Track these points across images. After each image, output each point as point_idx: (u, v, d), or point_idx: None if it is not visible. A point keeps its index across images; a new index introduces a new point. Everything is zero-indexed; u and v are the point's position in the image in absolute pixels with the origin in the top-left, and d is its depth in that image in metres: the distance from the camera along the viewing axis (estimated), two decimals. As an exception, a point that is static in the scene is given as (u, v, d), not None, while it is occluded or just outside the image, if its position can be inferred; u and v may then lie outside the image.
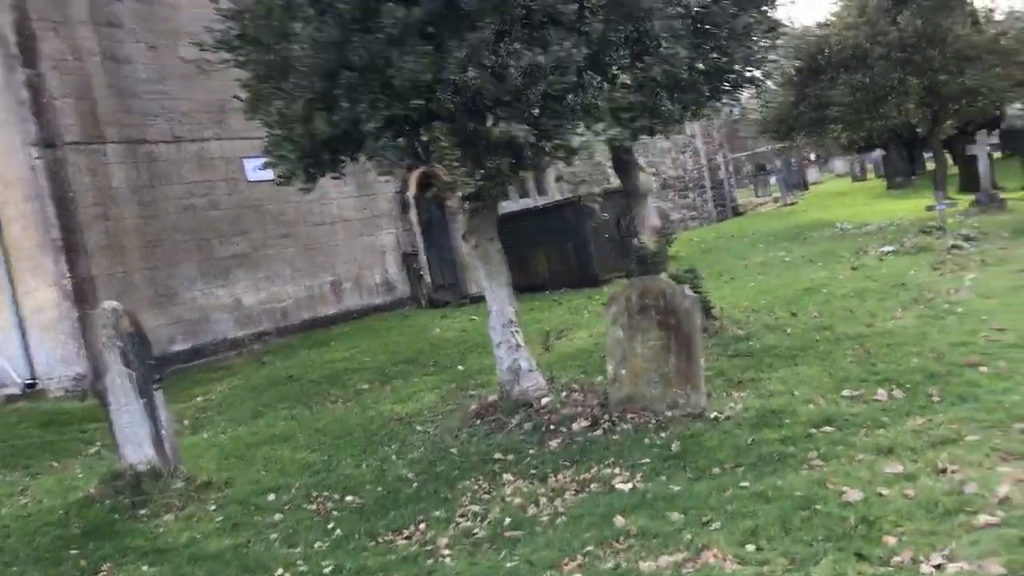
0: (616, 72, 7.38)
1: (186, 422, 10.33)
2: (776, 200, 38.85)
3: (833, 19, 23.93)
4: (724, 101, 9.53)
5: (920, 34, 21.09)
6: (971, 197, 18.87)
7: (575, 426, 7.48)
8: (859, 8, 22.11)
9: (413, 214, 17.20)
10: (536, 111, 7.03)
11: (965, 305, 9.11)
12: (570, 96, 7.08)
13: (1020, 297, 9.01)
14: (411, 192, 17.12)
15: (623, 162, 10.82)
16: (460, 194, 8.67)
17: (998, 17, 23.44)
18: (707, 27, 8.89)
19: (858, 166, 46.18)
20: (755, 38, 9.37)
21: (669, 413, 7.23)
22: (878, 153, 38.42)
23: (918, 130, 24.96)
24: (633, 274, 10.51)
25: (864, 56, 21.39)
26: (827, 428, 6.23)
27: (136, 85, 12.88)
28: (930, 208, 15.99)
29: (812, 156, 63.69)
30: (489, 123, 7.00)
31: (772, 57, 10.22)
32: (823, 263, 13.54)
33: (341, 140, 7.81)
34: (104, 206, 12.39)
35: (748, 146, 64.34)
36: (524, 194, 20.63)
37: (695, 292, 10.17)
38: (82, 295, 11.91)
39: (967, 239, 13.47)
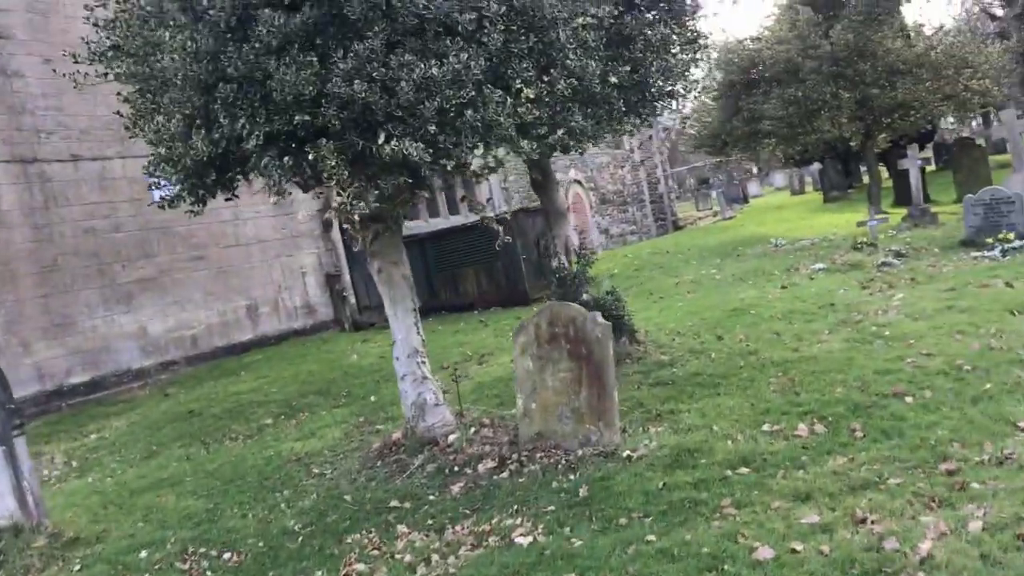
0: (520, 86, 6.87)
1: (74, 463, 9.55)
2: (716, 214, 38.93)
3: (766, 33, 23.85)
4: (643, 115, 9.09)
5: (851, 48, 21.03)
6: (905, 211, 18.80)
7: (481, 467, 6.93)
8: (791, 22, 22.02)
9: (336, 233, 16.54)
10: (433, 128, 6.48)
11: (893, 327, 8.76)
12: (469, 112, 6.55)
13: (948, 318, 8.69)
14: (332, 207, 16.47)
15: (541, 179, 10.33)
16: (356, 216, 8.13)
17: (928, 32, 23.56)
18: (620, 38, 8.48)
19: (797, 180, 46.60)
20: (674, 51, 8.97)
21: (580, 451, 6.72)
22: (816, 166, 38.67)
23: (852, 144, 24.95)
24: (552, 297, 10.03)
25: (796, 70, 21.27)
26: (743, 469, 5.76)
27: (28, 100, 12.06)
28: (861, 224, 15.79)
29: (754, 169, 64.30)
30: (380, 140, 6.44)
31: (693, 71, 9.86)
32: (753, 281, 13.19)
33: (224, 159, 7.20)
34: (-8, 230, 11.55)
35: (690, 160, 64.79)
36: (434, 213, 20.06)
37: (617, 315, 9.79)
38: (-37, 326, 11.06)
39: (898, 255, 13.23)
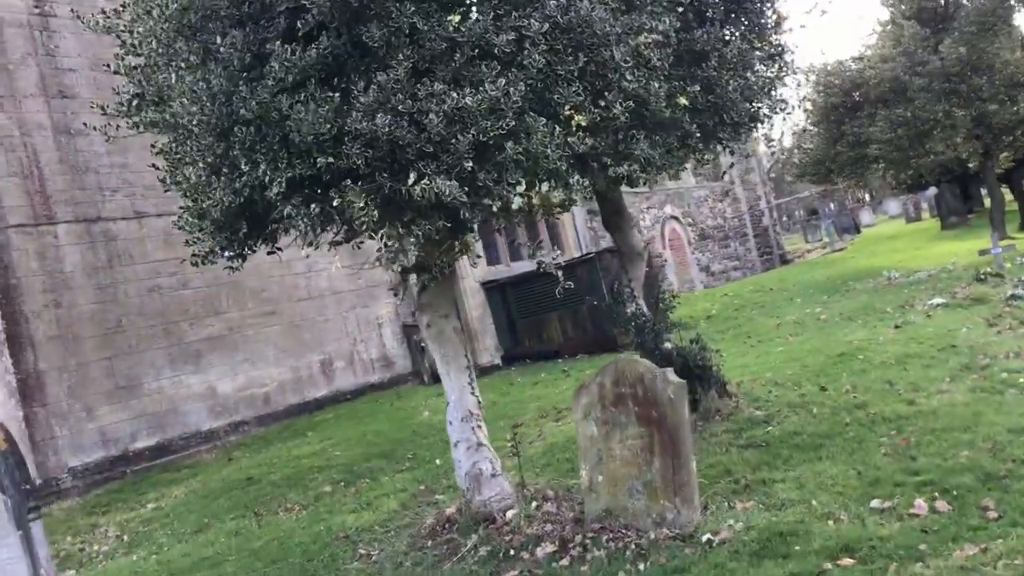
0: (569, 112, 6.03)
1: (126, 537, 9.03)
2: (825, 246, 37.01)
3: (868, 52, 22.41)
4: (723, 141, 8.10)
5: (964, 62, 19.45)
6: (1033, 235, 17.11)
7: (539, 551, 6.01)
8: (895, 39, 20.57)
9: (413, 279, 15.90)
10: (469, 163, 5.70)
11: (1029, 373, 7.47)
12: (509, 144, 5.74)
13: (1098, 362, 7.34)
14: (409, 256, 15.89)
15: (613, 217, 9.41)
16: (396, 267, 7.41)
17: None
18: (691, 55, 7.55)
19: (911, 206, 44.16)
20: (755, 67, 7.98)
21: (653, 533, 5.73)
22: (932, 191, 36.39)
23: (970, 165, 23.13)
24: (631, 346, 9.06)
25: (904, 89, 19.78)
26: (847, 560, 4.71)
27: (92, 159, 11.91)
28: (984, 252, 14.24)
29: (867, 197, 61.53)
30: (411, 180, 5.68)
31: (779, 89, 8.83)
32: (863, 321, 11.89)
33: (251, 208, 6.58)
34: (55, 292, 11.33)
35: (797, 190, 62.48)
36: (516, 256, 19.22)
37: (703, 365, 8.75)
38: (28, 392, 10.79)
39: (1029, 286, 11.73)
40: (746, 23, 7.93)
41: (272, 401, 13.33)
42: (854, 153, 21.10)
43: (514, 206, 6.21)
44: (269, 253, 7.56)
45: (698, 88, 7.19)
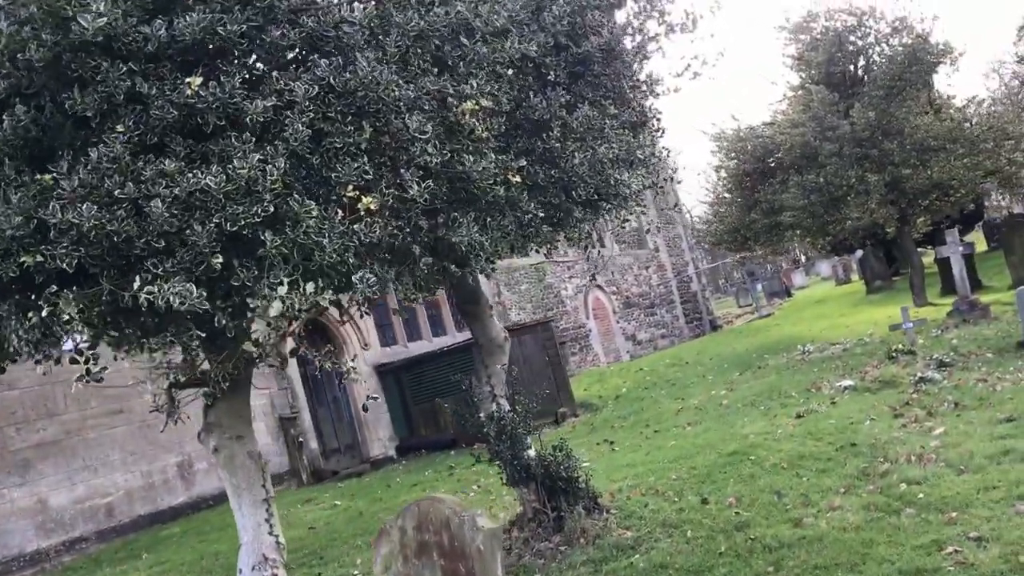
0: (355, 193, 4.90)
1: None
2: (754, 311, 36.47)
3: (779, 118, 21.94)
4: (574, 222, 7.04)
5: (875, 126, 18.98)
6: (952, 300, 16.39)
7: None
8: (805, 104, 20.08)
9: (294, 368, 14.58)
10: (219, 260, 4.52)
11: (930, 485, 6.43)
12: (268, 234, 4.59)
13: (1005, 472, 6.32)
14: (290, 344, 14.53)
15: (468, 304, 8.27)
16: (162, 383, 6.18)
17: (959, 103, 21.46)
18: (532, 124, 6.52)
19: (841, 268, 44.14)
20: (609, 137, 6.96)
21: None
22: (859, 254, 36.14)
23: (888, 230, 22.63)
24: (493, 455, 7.83)
25: (815, 155, 19.21)
26: None
27: None
28: (896, 327, 13.39)
29: (803, 258, 61.59)
30: (136, 284, 4.47)
31: (651, 160, 7.85)
32: (766, 407, 10.85)
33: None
34: None
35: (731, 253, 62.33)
36: (415, 335, 17.99)
37: (568, 478, 7.57)
38: None
39: (941, 365, 10.84)
40: (597, 88, 6.93)
41: (117, 513, 11.76)
42: (768, 221, 20.41)
43: (272, 311, 5.00)
44: (37, 362, 6.22)
45: (526, 163, 6.14)
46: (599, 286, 30.05)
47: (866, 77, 20.61)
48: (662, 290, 33.78)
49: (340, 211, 4.93)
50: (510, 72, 6.06)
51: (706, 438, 9.80)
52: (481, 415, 7.87)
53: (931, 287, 22.45)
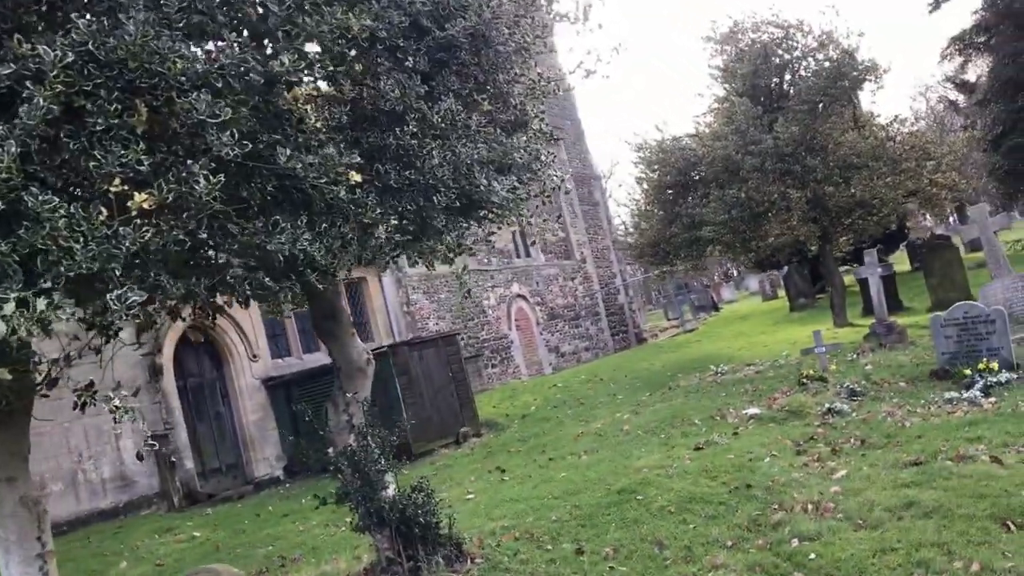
0: (122, 188, 3.95)
1: None
2: (680, 325, 36.03)
3: (705, 130, 21.39)
4: (440, 232, 6.14)
5: (798, 142, 18.50)
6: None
7: None
8: (728, 116, 19.52)
9: (169, 381, 13.42)
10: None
11: (824, 543, 5.68)
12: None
13: (907, 529, 5.60)
14: (164, 352, 13.40)
15: (325, 321, 7.31)
16: None
17: (883, 122, 21.15)
18: (386, 116, 5.61)
19: (768, 284, 44.05)
20: (475, 138, 6.09)
21: None
22: (786, 269, 35.97)
23: (811, 248, 22.24)
24: (341, 496, 6.87)
25: (737, 169, 18.66)
26: None
27: None
28: (808, 351, 12.79)
29: (735, 272, 61.67)
30: None
31: (535, 165, 7.01)
32: (666, 436, 10.09)
33: None
34: None
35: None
36: (310, 347, 16.87)
37: (426, 523, 6.67)
38: None
39: (852, 395, 10.22)
40: (464, 79, 6.05)
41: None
42: (689, 235, 19.80)
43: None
44: None
45: (375, 162, 5.26)
46: (523, 296, 29.31)
47: (791, 91, 20.14)
48: (588, 302, 33.17)
49: (105, 210, 3.97)
50: (352, 52, 5.15)
51: (599, 470, 8.98)
52: (330, 450, 6.93)
53: (854, 306, 22.14)
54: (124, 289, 3.91)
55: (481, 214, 6.43)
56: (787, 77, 20.62)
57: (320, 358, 16.16)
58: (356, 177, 4.97)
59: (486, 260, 27.97)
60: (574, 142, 36.81)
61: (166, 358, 13.41)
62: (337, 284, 7.06)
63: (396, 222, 5.61)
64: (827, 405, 9.67)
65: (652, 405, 12.75)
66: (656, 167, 20.63)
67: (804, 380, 11.22)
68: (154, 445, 5.36)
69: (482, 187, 6.02)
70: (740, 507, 6.84)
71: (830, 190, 18.92)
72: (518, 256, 30.08)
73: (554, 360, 30.04)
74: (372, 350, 14.55)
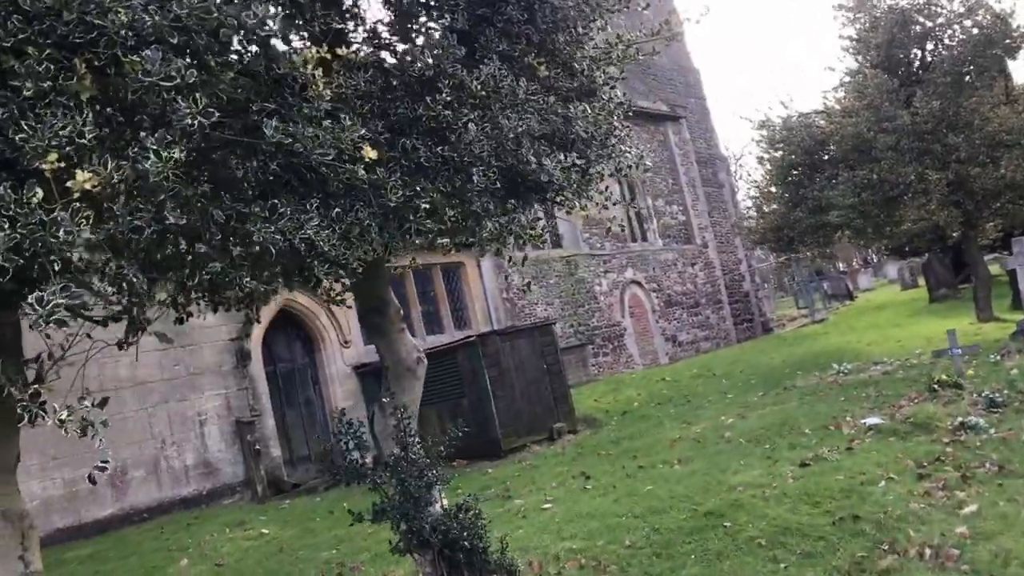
0: (55, 164, 3.31)
1: None
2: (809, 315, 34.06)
3: (836, 107, 19.73)
4: (477, 214, 5.32)
5: (939, 118, 16.75)
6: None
7: None
8: (859, 91, 17.86)
9: (258, 366, 13.13)
10: None
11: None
12: None
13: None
14: (253, 337, 13.10)
15: (372, 315, 6.61)
16: None
17: (1036, 93, 18.99)
18: (419, 83, 4.82)
19: (907, 272, 41.36)
20: (525, 106, 5.22)
21: None
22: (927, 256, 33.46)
23: (953, 235, 20.31)
24: (378, 513, 6.18)
25: (869, 148, 17.04)
26: None
27: None
28: (940, 354, 11.34)
29: (874, 258, 58.44)
30: None
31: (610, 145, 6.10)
32: (770, 446, 9.00)
33: None
34: None
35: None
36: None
37: (470, 548, 5.90)
38: None
39: (991, 406, 8.86)
40: (512, 39, 5.18)
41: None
42: (814, 219, 18.30)
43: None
44: None
45: (402, 137, 4.49)
46: (638, 282, 28.24)
47: (932, 62, 18.28)
48: (709, 289, 31.75)
49: (40, 190, 3.34)
50: (364, 8, 4.40)
51: (689, 485, 8.01)
52: (367, 458, 6.25)
53: (1001, 299, 20.13)
54: (60, 287, 3.26)
55: (534, 196, 5.57)
56: (928, 47, 18.73)
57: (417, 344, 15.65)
58: (371, 154, 4.21)
59: (598, 244, 27.02)
60: (698, 120, 35.33)
61: (255, 342, 13.14)
62: (383, 272, 6.34)
63: (428, 206, 4.82)
64: (960, 419, 8.37)
65: (761, 408, 11.61)
66: (780, 146, 19.15)
67: (935, 386, 9.87)
68: (105, 468, 4.70)
69: (533, 165, 5.17)
70: (843, 545, 5.78)
71: (975, 171, 17.07)
72: (633, 240, 28.98)
73: (670, 350, 28.86)
74: (463, 339, 13.91)
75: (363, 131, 4.15)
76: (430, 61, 4.74)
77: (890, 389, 11.01)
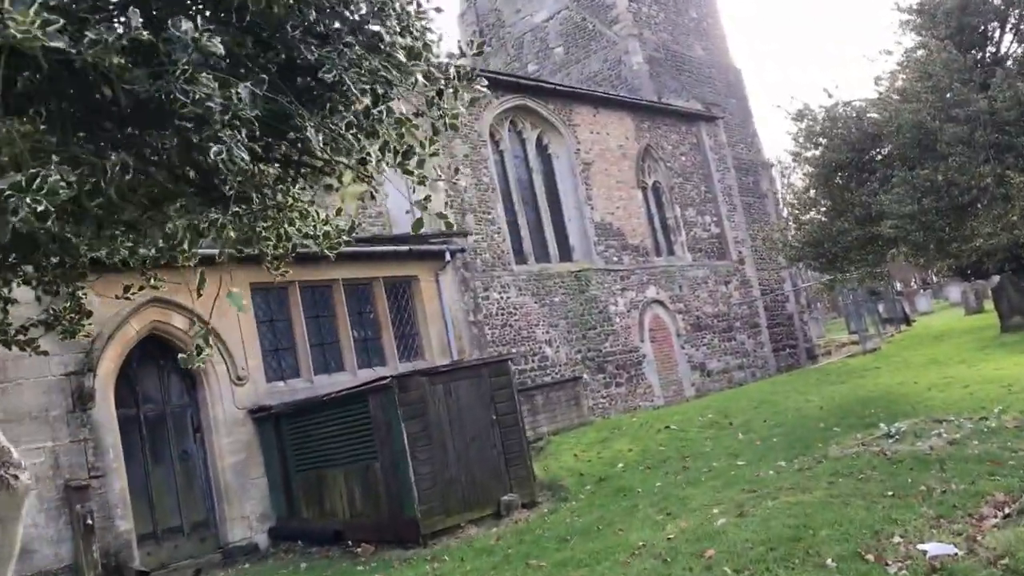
0: None
1: None
2: (858, 342, 30.13)
3: (892, 96, 16.11)
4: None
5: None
6: None
7: None
8: (921, 71, 14.26)
9: (106, 410, 9.99)
10: None
11: None
12: None
13: None
14: (101, 371, 9.95)
15: None
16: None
17: None
18: None
19: (972, 296, 37.33)
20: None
21: None
22: (995, 280, 29.42)
23: (1037, 253, 16.59)
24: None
25: (932, 142, 13.45)
26: None
27: None
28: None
29: (932, 278, 54.24)
30: None
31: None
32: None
33: None
34: None
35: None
36: (330, 366, 12.89)
37: None
38: None
39: None
40: None
41: None
42: (862, 231, 14.73)
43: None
44: None
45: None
46: (660, 302, 24.83)
47: (1015, 38, 14.63)
48: (745, 311, 28.23)
49: None
50: None
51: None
52: None
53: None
54: None
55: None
56: (1011, 19, 15.06)
57: (340, 380, 12.36)
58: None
59: (615, 258, 23.70)
60: (740, 123, 31.94)
61: (101, 379, 9.98)
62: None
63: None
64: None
65: (774, 496, 8.10)
66: (822, 141, 15.59)
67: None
68: None
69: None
70: None
71: (1070, 174, 13.42)
72: (658, 254, 25.62)
73: (698, 379, 25.45)
74: (373, 381, 10.53)
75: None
76: None
77: (962, 477, 7.47)
